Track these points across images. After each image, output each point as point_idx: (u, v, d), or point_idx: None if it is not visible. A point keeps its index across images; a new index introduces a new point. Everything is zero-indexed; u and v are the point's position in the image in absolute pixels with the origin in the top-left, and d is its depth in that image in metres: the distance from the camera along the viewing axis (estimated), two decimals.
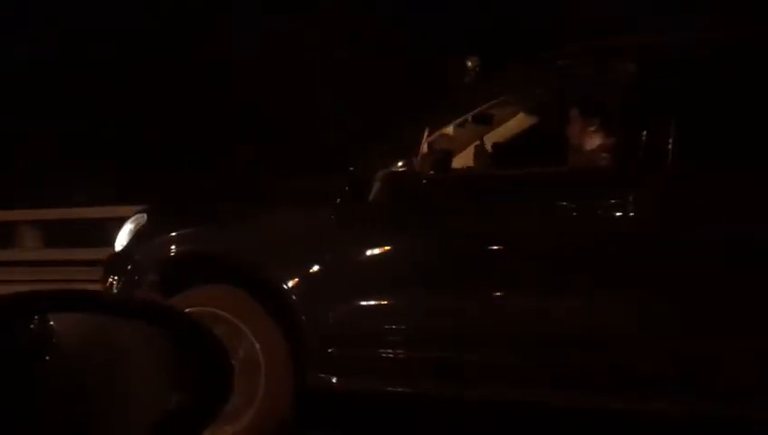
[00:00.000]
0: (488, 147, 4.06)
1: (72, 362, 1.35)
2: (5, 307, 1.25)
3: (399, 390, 3.45)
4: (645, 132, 3.15)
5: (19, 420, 1.27)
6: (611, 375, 3.09)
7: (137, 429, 1.34)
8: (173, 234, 3.86)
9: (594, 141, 3.67)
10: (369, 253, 3.51)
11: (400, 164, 3.43)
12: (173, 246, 3.83)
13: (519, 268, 3.27)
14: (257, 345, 3.60)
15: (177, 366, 1.36)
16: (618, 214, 3.15)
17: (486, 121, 3.97)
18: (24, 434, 1.27)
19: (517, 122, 4.19)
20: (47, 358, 1.34)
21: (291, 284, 3.57)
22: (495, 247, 3.35)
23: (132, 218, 4.12)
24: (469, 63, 3.67)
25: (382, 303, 3.45)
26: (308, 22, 12.79)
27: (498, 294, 3.33)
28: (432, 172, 3.47)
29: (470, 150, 3.86)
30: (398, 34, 12.34)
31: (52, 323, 1.33)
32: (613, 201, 3.16)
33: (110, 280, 4.09)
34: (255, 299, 3.63)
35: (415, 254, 3.43)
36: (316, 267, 3.53)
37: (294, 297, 3.56)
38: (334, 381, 3.52)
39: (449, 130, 3.63)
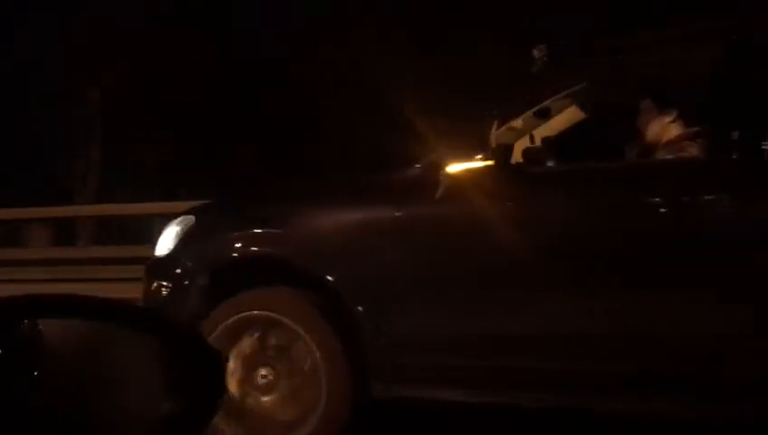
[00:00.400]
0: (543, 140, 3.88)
1: (62, 366, 1.34)
2: None
3: (492, 401, 3.27)
4: (735, 123, 2.99)
5: (6, 425, 1.26)
6: None
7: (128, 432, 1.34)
8: (229, 236, 3.65)
9: (671, 132, 3.50)
10: (441, 256, 3.31)
11: (472, 159, 3.25)
12: (229, 249, 3.63)
13: (606, 266, 3.09)
14: (318, 353, 3.44)
15: (167, 368, 1.37)
16: (712, 208, 2.99)
17: (546, 114, 3.79)
18: None
19: (572, 114, 4.01)
20: (36, 363, 1.33)
21: (354, 289, 3.39)
22: (583, 245, 3.15)
23: (178, 220, 3.93)
24: (536, 53, 3.47)
25: (463, 307, 3.26)
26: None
27: (593, 295, 3.13)
28: (506, 166, 3.28)
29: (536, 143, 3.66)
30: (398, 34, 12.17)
31: (40, 327, 1.33)
32: (709, 196, 3.00)
33: (156, 284, 3.91)
34: (315, 303, 3.48)
35: (496, 254, 3.22)
36: (382, 272, 3.35)
37: (359, 304, 3.38)
38: (402, 391, 3.36)
39: (517, 122, 3.45)
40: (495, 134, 3.31)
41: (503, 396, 3.23)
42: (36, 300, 1.33)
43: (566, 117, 3.99)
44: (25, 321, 1.33)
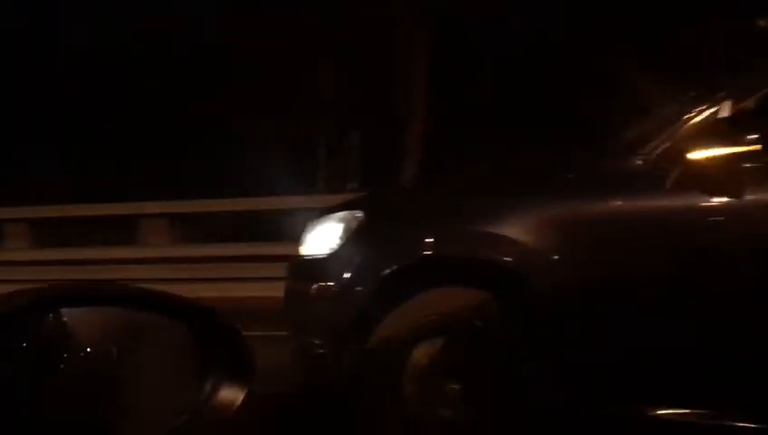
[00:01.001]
0: None
1: (88, 356, 1.34)
2: (19, 305, 1.25)
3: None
4: None
5: (33, 414, 1.26)
6: None
7: (162, 420, 1.34)
8: (418, 234, 3.30)
9: None
10: (672, 258, 2.92)
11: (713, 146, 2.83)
12: (418, 248, 3.29)
13: None
14: None
15: (196, 353, 1.37)
16: None
17: None
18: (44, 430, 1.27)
19: None
20: (60, 354, 1.33)
21: (568, 296, 3.02)
22: None
23: (340, 217, 3.59)
24: (762, 23, 3.03)
25: (698, 313, 2.88)
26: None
27: None
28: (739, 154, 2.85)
29: None
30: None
31: (65, 318, 1.33)
32: None
33: (315, 287, 3.59)
34: (520, 310, 3.12)
35: (742, 254, 2.83)
36: (602, 276, 2.98)
37: (571, 312, 3.01)
38: (614, 409, 3.00)
39: (749, 104, 3.00)
40: (732, 117, 2.89)
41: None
42: (60, 290, 1.35)
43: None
44: (50, 314, 1.33)
